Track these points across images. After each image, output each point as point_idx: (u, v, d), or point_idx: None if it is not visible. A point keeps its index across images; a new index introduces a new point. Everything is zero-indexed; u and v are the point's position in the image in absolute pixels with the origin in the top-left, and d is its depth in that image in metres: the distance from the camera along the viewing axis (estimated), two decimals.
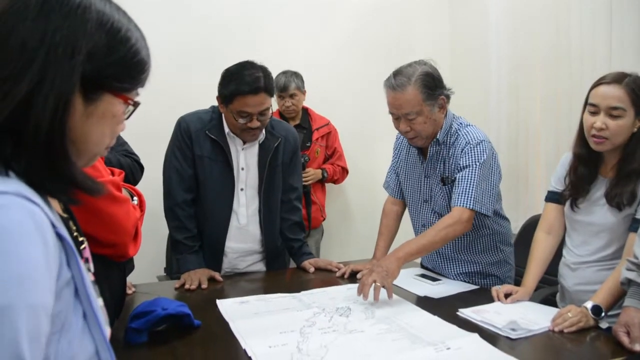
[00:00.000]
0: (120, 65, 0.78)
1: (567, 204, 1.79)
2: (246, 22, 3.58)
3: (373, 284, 1.70)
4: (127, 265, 2.10)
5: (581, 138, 1.74)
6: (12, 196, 0.66)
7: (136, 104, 0.84)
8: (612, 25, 2.65)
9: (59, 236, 0.70)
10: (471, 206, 1.88)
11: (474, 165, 1.91)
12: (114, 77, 0.78)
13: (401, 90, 1.89)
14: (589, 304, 1.53)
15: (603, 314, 1.51)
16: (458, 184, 1.92)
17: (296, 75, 3.34)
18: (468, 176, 1.91)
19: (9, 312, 0.62)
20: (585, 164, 1.74)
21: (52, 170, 0.71)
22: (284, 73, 3.32)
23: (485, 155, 1.92)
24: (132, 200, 1.39)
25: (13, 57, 0.69)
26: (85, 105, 0.75)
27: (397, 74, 1.93)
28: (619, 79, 1.63)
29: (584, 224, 1.75)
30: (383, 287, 1.70)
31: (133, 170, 2.17)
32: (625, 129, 1.61)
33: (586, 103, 1.70)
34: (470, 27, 3.85)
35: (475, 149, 1.93)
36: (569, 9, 2.91)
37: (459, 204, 1.89)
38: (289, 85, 3.27)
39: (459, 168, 1.94)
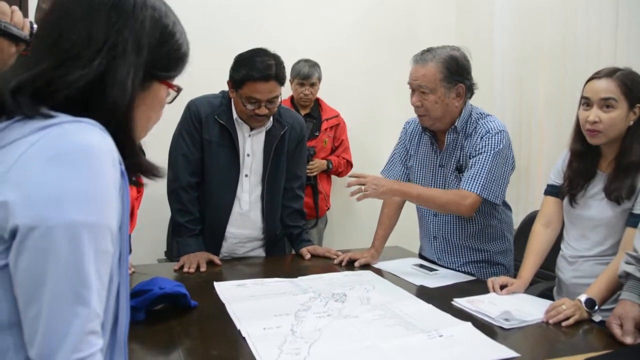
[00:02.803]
0: (168, 56, 0.87)
1: (566, 199, 1.80)
2: (255, 9, 3.59)
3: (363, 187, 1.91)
4: None
5: (577, 134, 1.75)
6: (87, 124, 0.73)
7: (179, 90, 0.93)
8: (618, 19, 2.63)
9: (121, 173, 0.76)
10: (478, 192, 1.89)
11: (489, 152, 1.93)
12: (163, 67, 0.87)
13: (422, 64, 1.95)
14: (582, 297, 1.54)
15: (596, 307, 1.52)
16: (469, 167, 1.95)
17: (317, 65, 3.40)
18: (480, 162, 1.92)
19: (93, 229, 0.69)
20: (581, 159, 1.75)
21: (123, 152, 0.77)
22: (306, 61, 3.37)
23: (502, 144, 1.94)
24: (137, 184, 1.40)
25: (81, 44, 0.77)
26: (138, 93, 0.83)
27: (427, 50, 1.99)
28: (610, 73, 1.65)
29: (582, 218, 1.75)
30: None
31: None
32: (618, 121, 1.62)
33: (581, 99, 1.71)
34: (476, 19, 3.85)
35: (494, 137, 1.95)
36: (574, 3, 2.90)
37: (466, 187, 1.91)
38: (313, 74, 3.33)
39: (475, 153, 1.96)
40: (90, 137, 0.71)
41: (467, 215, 1.96)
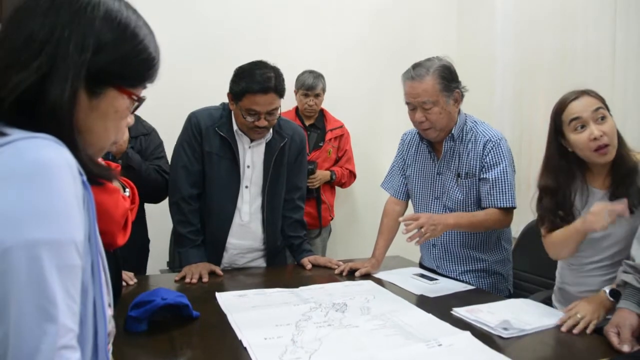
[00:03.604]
0: (126, 61, 0.81)
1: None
2: (256, 23, 3.62)
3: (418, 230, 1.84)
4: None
5: (549, 168, 1.72)
6: (42, 139, 0.71)
7: (141, 100, 0.86)
8: (615, 32, 2.67)
9: (83, 184, 0.74)
10: (512, 204, 1.98)
11: (503, 163, 2.00)
12: (120, 73, 0.81)
13: (420, 80, 1.98)
14: (607, 289, 1.55)
15: (621, 298, 1.52)
16: (495, 184, 1.99)
17: (322, 76, 3.45)
18: (503, 176, 1.99)
19: (54, 246, 0.67)
20: (553, 195, 1.71)
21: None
22: (311, 72, 3.42)
23: (508, 153, 2.03)
24: (124, 191, 1.42)
25: (19, 47, 0.74)
26: (89, 99, 0.79)
27: (416, 66, 2.02)
28: (580, 92, 1.65)
29: (592, 240, 1.68)
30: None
31: (160, 188, 2.24)
32: (615, 129, 1.62)
33: (557, 130, 1.67)
34: (477, 32, 3.89)
35: (499, 147, 2.02)
36: (573, 17, 2.94)
37: (502, 204, 1.98)
38: (317, 85, 3.38)
39: (487, 166, 2.01)
40: (45, 153, 0.69)
41: (507, 227, 2.08)
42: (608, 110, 1.64)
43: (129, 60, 0.81)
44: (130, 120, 0.88)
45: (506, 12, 3.43)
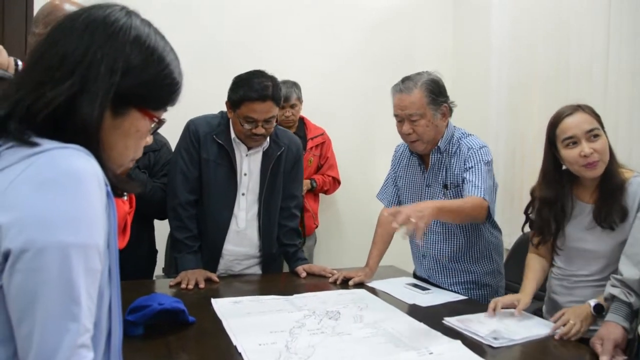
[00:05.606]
0: (151, 84, 0.85)
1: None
2: (254, 34, 3.67)
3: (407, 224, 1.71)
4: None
5: (547, 180, 1.77)
6: (73, 149, 0.75)
7: (161, 122, 0.90)
8: (609, 48, 2.72)
9: (107, 194, 0.78)
10: (485, 196, 1.93)
11: (481, 164, 2.00)
12: (144, 95, 0.85)
13: (407, 92, 2.01)
14: (592, 302, 1.59)
15: (604, 312, 1.56)
16: (469, 180, 1.99)
17: (296, 85, 3.41)
18: (477, 173, 1.98)
19: (82, 249, 0.71)
20: (552, 205, 1.75)
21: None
22: (284, 83, 3.36)
23: (489, 157, 2.04)
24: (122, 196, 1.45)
25: (54, 65, 0.78)
26: (113, 118, 0.83)
27: (405, 79, 2.06)
28: (576, 108, 1.69)
29: (579, 251, 1.74)
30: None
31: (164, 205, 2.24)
32: (607, 146, 1.66)
33: (551, 143, 1.73)
34: (472, 47, 3.95)
35: (479, 151, 2.03)
36: (567, 32, 3.00)
37: (475, 194, 1.94)
38: (291, 96, 3.34)
39: (465, 169, 2.02)
40: (76, 162, 0.73)
41: (482, 222, 2.03)
42: (602, 127, 1.68)
43: (154, 84, 0.86)
44: (149, 139, 0.92)
45: (501, 27, 3.49)
